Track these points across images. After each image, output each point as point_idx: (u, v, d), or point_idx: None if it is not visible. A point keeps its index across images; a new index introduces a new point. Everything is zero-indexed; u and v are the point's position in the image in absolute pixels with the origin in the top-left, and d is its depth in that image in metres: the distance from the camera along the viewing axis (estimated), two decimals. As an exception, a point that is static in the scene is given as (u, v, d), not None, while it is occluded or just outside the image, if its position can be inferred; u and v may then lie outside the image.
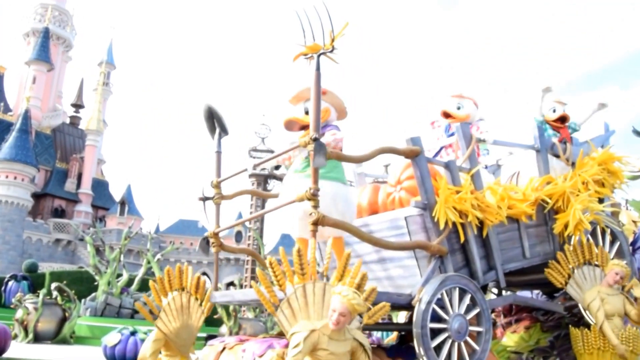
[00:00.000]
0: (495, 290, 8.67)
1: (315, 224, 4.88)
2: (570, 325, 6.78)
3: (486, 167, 7.78)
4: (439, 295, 5.30)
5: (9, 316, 23.33)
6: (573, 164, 7.38)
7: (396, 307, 5.48)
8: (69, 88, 72.99)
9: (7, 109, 63.43)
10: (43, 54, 63.19)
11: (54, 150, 66.56)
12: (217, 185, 6.45)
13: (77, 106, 72.64)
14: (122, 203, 66.32)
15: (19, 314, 21.35)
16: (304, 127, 5.62)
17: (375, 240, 5.30)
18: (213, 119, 6.57)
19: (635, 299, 6.50)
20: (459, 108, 6.85)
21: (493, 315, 8.72)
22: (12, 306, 22.72)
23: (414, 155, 5.63)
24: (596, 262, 6.70)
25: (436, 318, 5.33)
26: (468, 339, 5.40)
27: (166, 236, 64.28)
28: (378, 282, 6.29)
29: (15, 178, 58.20)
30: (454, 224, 5.72)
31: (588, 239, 7.08)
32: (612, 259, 7.34)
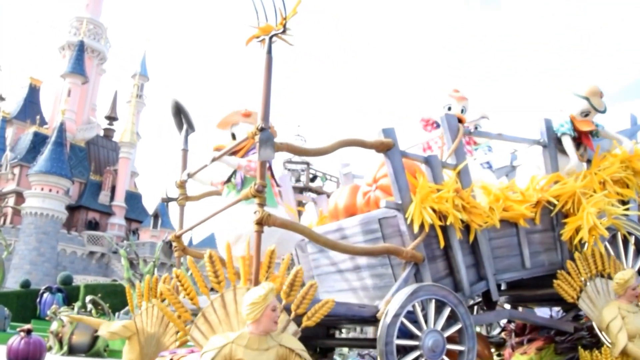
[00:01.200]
0: (508, 306, 7.98)
1: (260, 223, 4.35)
2: (580, 347, 6.02)
3: (489, 166, 7.11)
4: (410, 308, 4.68)
5: (44, 328, 23.57)
6: (589, 162, 6.64)
7: (359, 321, 4.87)
8: (103, 100, 74.50)
9: (42, 122, 64.97)
10: (78, 67, 64.51)
11: (88, 163, 67.75)
12: (182, 186, 6.02)
13: (111, 118, 73.94)
14: (156, 216, 66.94)
15: (54, 326, 21.60)
16: (234, 153, 5.24)
17: (332, 243, 4.74)
18: (180, 115, 6.19)
19: None
20: (449, 109, 6.24)
21: (503, 334, 8.00)
22: (47, 318, 22.90)
23: (385, 148, 5.06)
24: (610, 274, 5.94)
25: (408, 334, 4.72)
26: (446, 359, 4.76)
27: (199, 249, 64.45)
28: (353, 292, 5.70)
29: (50, 190, 59.37)
30: (434, 227, 5.12)
31: (606, 248, 6.32)
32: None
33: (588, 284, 5.88)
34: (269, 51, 4.62)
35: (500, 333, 8.12)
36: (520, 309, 8.13)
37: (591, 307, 5.77)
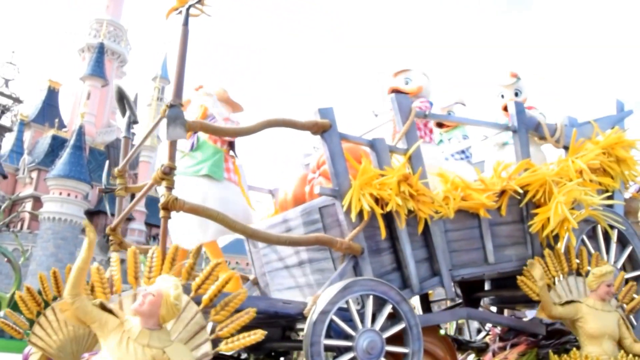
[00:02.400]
0: (494, 308, 7.57)
1: (165, 208, 4.08)
2: (550, 351, 5.59)
3: (465, 156, 6.74)
4: (342, 304, 4.34)
5: None
6: (566, 149, 6.22)
7: (285, 317, 4.55)
8: (123, 103, 75.31)
9: (61, 125, 65.81)
10: (98, 70, 65.32)
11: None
12: (121, 175, 5.81)
13: (132, 122, 74.75)
14: (176, 221, 67.36)
15: None
16: None
17: (251, 231, 4.43)
18: (123, 101, 6.03)
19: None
20: (407, 82, 5.88)
21: (487, 339, 7.57)
22: None
23: (320, 130, 4.74)
24: (588, 272, 5.50)
25: (343, 334, 4.39)
26: None
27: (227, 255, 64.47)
28: (300, 290, 5.39)
29: (68, 195, 60.00)
30: (382, 216, 4.78)
31: (584, 242, 5.89)
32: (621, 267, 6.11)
33: (558, 282, 5.46)
34: (186, 23, 4.39)
35: (484, 337, 7.69)
36: (506, 311, 7.73)
37: None
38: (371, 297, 4.47)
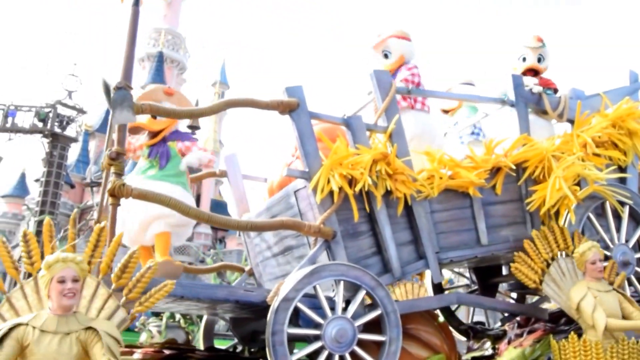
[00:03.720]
0: (514, 294, 7.17)
1: (112, 195, 3.99)
2: (551, 336, 5.20)
3: (475, 133, 6.39)
4: (309, 290, 4.15)
5: (134, 340, 24.28)
6: (572, 123, 5.80)
7: (248, 306, 4.38)
8: (184, 110, 76.72)
9: (126, 134, 67.84)
10: (158, 78, 66.73)
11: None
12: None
13: (193, 128, 75.71)
14: (240, 222, 68.19)
15: (143, 337, 22.09)
16: (155, 134, 5.32)
17: (206, 216, 4.27)
18: (109, 94, 6.05)
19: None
20: (386, 56, 5.59)
21: (506, 326, 7.17)
22: (136, 330, 23.55)
23: (287, 109, 4.55)
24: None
25: (312, 323, 4.19)
26: (358, 350, 4.18)
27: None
28: (285, 279, 5.21)
29: (135, 201, 61.73)
30: (359, 198, 4.57)
31: (590, 220, 5.47)
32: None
33: (551, 265, 5.07)
34: (136, 3, 4.32)
35: (502, 325, 7.29)
36: (509, 298, 7.30)
37: (557, 291, 4.98)
38: (342, 282, 4.25)
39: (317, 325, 4.15)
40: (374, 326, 4.36)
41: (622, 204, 5.66)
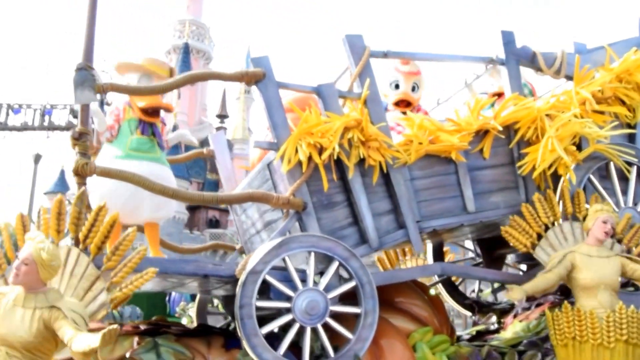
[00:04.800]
0: (524, 267, 6.92)
1: (77, 174, 3.92)
2: (547, 308, 4.98)
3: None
4: (277, 262, 4.03)
5: None
6: (570, 79, 5.50)
7: (218, 279, 4.27)
8: (212, 100, 77.24)
9: (156, 127, 68.67)
10: (185, 69, 67.09)
11: (204, 162, 70.65)
12: (95, 153, 5.74)
13: (222, 117, 76.49)
14: (272, 209, 68.57)
15: (184, 322, 22.41)
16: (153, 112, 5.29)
17: (171, 192, 4.16)
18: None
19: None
20: (414, 89, 5.50)
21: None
22: (176, 315, 23.95)
23: (253, 79, 4.41)
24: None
25: (283, 295, 4.08)
26: (331, 322, 4.05)
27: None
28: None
29: (169, 192, 62.49)
30: (335, 167, 4.42)
31: (591, 182, 5.20)
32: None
33: (551, 230, 4.81)
34: None
35: (512, 298, 7.05)
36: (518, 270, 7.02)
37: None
38: (313, 254, 4.11)
39: (288, 298, 4.03)
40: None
41: (630, 164, 5.35)
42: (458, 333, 6.63)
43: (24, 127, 25.58)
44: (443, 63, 5.47)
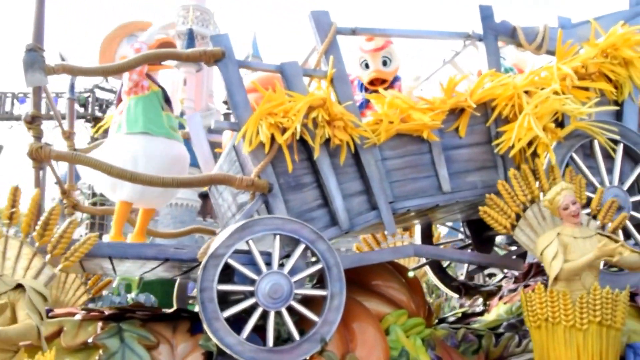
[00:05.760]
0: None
1: (32, 158, 3.90)
2: (522, 288, 4.91)
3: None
4: (241, 246, 3.98)
5: None
6: (553, 55, 5.38)
7: (179, 262, 4.24)
8: (219, 86, 77.10)
9: (163, 113, 68.77)
10: (191, 56, 67.45)
11: (213, 149, 70.94)
12: (69, 138, 5.74)
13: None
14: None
15: (197, 310, 22.82)
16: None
17: (129, 175, 4.11)
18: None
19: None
20: (385, 63, 5.28)
21: (504, 282, 6.87)
22: (190, 302, 24.27)
23: (212, 59, 4.34)
24: None
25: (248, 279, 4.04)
26: (296, 305, 4.01)
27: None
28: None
29: (181, 180, 62.65)
30: (303, 148, 4.37)
31: (573, 160, 5.09)
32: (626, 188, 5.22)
33: (530, 209, 4.72)
34: None
35: (500, 280, 6.99)
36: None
37: (532, 237, 4.61)
38: (278, 237, 4.06)
39: (252, 282, 3.99)
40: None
41: (617, 142, 5.23)
42: (444, 315, 6.61)
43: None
44: (424, 40, 5.38)
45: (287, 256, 4.15)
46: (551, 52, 5.36)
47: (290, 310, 4.01)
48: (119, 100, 5.00)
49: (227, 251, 3.92)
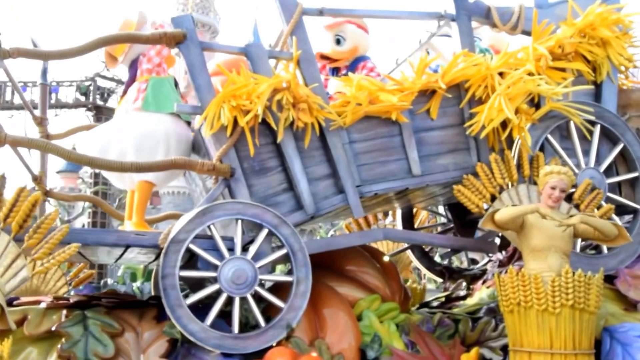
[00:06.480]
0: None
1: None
2: (496, 272, 4.86)
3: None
4: (202, 231, 3.96)
5: None
6: (528, 35, 5.29)
7: (142, 249, 4.22)
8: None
9: (164, 102, 68.70)
10: (191, 44, 67.24)
11: (214, 138, 71.01)
12: (40, 123, 5.70)
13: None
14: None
15: None
16: None
17: (87, 160, 4.09)
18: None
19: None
20: (339, 42, 5.22)
21: (488, 266, 6.82)
22: None
23: (173, 41, 4.29)
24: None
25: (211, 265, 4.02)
26: (261, 291, 3.99)
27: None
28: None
29: (182, 169, 62.75)
30: (264, 131, 4.33)
31: (549, 142, 5.03)
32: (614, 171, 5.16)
33: (505, 191, 4.66)
34: None
35: (485, 264, 6.94)
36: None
37: None
38: (239, 222, 4.03)
39: (215, 268, 3.96)
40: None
41: (593, 123, 5.15)
42: (428, 299, 6.58)
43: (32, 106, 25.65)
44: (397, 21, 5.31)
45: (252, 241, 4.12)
46: (527, 33, 5.28)
47: (256, 296, 3.98)
48: (129, 84, 5.03)
49: (188, 236, 3.90)
